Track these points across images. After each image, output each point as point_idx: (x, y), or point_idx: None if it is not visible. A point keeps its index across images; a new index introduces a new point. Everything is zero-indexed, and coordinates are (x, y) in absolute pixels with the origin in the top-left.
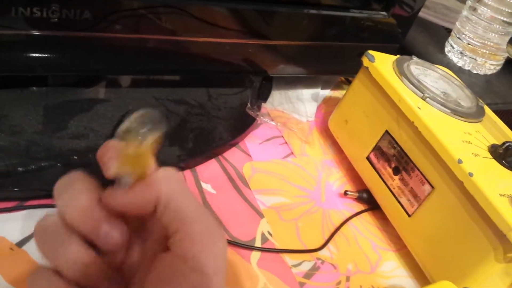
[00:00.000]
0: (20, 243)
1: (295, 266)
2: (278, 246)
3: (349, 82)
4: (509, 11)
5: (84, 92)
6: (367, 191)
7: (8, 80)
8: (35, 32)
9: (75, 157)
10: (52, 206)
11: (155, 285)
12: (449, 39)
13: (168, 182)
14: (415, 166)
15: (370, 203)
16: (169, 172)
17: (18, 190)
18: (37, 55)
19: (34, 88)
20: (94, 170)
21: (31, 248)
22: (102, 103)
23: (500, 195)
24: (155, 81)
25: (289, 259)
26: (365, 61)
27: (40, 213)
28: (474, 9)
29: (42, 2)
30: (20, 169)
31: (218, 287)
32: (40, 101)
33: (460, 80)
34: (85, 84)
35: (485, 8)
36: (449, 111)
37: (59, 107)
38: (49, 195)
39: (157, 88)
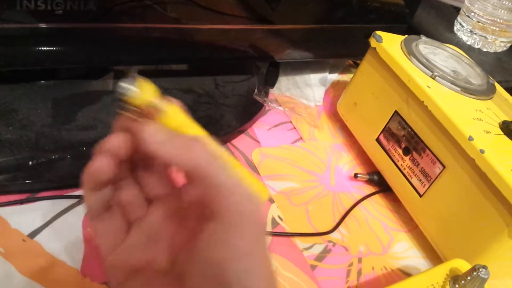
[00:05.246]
0: (32, 235)
1: (306, 249)
2: (289, 230)
3: (357, 66)
4: None
5: (91, 84)
6: (378, 173)
7: (16, 74)
8: (41, 25)
9: (84, 149)
10: (63, 197)
11: (204, 253)
12: (458, 18)
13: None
14: (426, 145)
15: (381, 185)
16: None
17: (29, 183)
18: (43, 48)
19: (42, 81)
20: None
21: (43, 239)
22: (109, 94)
23: None
24: (162, 71)
25: (300, 242)
26: (372, 42)
27: (51, 204)
28: None
29: None
30: (30, 162)
31: (261, 255)
32: (48, 94)
33: (470, 58)
34: (92, 76)
35: None
36: (459, 89)
37: (67, 100)
38: (60, 187)
39: (165, 78)
